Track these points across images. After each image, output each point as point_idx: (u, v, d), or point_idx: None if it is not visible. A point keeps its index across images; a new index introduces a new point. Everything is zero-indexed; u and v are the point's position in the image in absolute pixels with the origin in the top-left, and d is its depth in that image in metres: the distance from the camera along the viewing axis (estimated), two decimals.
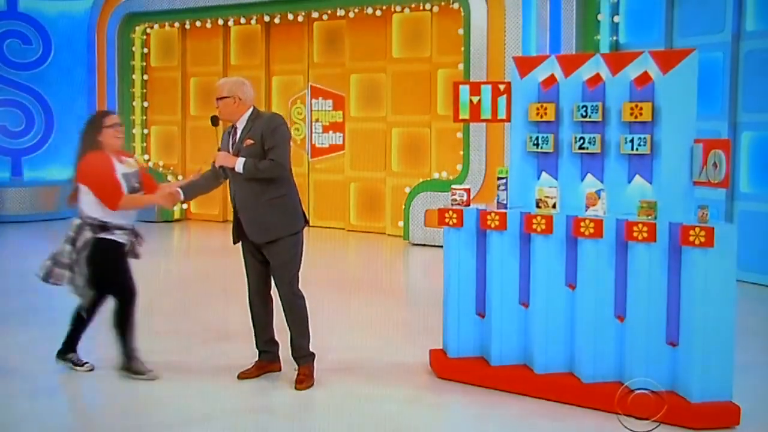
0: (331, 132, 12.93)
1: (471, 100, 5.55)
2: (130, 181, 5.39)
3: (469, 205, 5.53)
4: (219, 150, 5.35)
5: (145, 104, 14.52)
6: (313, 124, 12.99)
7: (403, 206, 11.69)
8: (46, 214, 13.96)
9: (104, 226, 5.36)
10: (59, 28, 14.64)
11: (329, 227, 12.89)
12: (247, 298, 5.51)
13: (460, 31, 11.08)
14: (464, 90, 5.59)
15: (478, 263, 5.46)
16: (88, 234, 5.36)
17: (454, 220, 5.45)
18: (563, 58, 5.31)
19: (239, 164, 5.17)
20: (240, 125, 5.29)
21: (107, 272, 5.45)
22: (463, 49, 11.02)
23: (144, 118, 14.54)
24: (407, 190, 11.74)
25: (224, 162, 5.24)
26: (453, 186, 5.65)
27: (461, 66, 11.10)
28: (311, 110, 13.06)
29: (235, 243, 5.42)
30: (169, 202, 5.44)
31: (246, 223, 5.28)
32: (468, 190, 5.57)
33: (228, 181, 5.42)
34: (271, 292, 5.46)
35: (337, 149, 12.85)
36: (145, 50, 14.51)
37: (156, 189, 5.64)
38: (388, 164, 12.37)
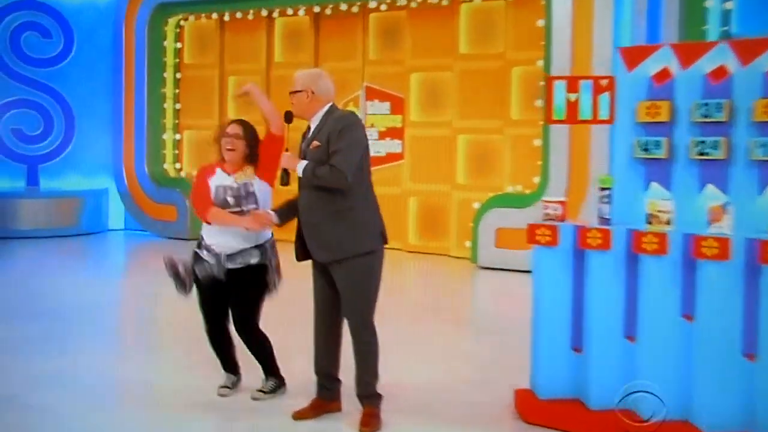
0: (388, 139, 12.89)
1: (567, 99, 5.41)
2: (220, 194, 5.54)
3: (564, 220, 5.36)
4: (286, 150, 5.29)
5: (178, 106, 14.65)
6: (368, 129, 12.91)
7: (471, 224, 11.59)
8: (65, 228, 14.13)
9: (199, 241, 5.69)
10: (82, 19, 14.87)
11: (385, 248, 12.76)
12: (313, 325, 5.41)
13: (540, 23, 10.98)
14: (560, 86, 5.43)
15: (574, 288, 5.32)
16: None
17: (548, 238, 5.28)
18: (680, 47, 5.16)
19: (300, 167, 5.09)
20: (313, 124, 5.22)
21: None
22: (543, 43, 10.92)
23: (176, 122, 14.65)
24: (476, 205, 11.66)
25: (288, 164, 5.17)
26: (545, 198, 5.53)
27: (540, 63, 11.02)
28: (366, 114, 13.02)
29: (298, 260, 5.31)
30: (257, 224, 5.40)
31: (308, 237, 5.19)
32: (563, 203, 5.40)
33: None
34: (341, 321, 5.35)
35: (395, 158, 12.79)
36: (179, 45, 14.67)
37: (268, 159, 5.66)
38: (454, 176, 12.29)
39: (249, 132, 5.60)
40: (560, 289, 5.33)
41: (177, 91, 14.66)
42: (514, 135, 11.68)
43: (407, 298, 9.74)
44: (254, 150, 5.59)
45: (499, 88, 11.80)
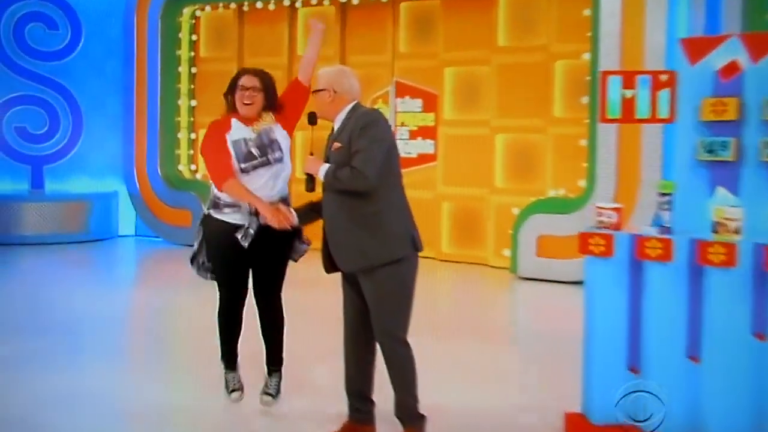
0: (420, 138, 12.85)
1: (623, 95, 5.35)
2: (241, 148, 5.43)
3: (619, 228, 5.28)
4: (311, 155, 5.25)
5: (193, 103, 14.66)
6: (399, 128, 12.91)
7: (510, 231, 11.53)
8: (71, 234, 14.15)
9: (215, 202, 5.52)
10: (91, 10, 14.93)
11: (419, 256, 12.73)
12: (343, 341, 5.36)
13: (587, 12, 10.93)
14: (614, 82, 5.38)
15: (631, 303, 5.24)
16: (203, 209, 5.61)
17: (602, 248, 5.21)
18: (751, 38, 5.10)
19: (321, 171, 5.08)
20: (336, 125, 5.21)
21: (212, 258, 5.60)
22: (590, 34, 10.84)
23: (191, 119, 14.66)
24: (515, 211, 11.60)
25: (311, 168, 5.15)
26: (598, 204, 5.46)
27: (587, 56, 10.95)
28: (396, 111, 12.99)
29: (327, 272, 5.26)
30: (274, 217, 5.32)
31: (332, 245, 5.15)
32: (619, 210, 5.33)
33: None
34: (374, 336, 5.26)
35: (427, 160, 12.75)
36: (194, 37, 14.71)
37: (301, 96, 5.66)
38: (491, 179, 12.22)
39: (267, 82, 5.54)
40: (615, 303, 5.25)
41: (192, 86, 14.66)
42: (558, 134, 11.60)
43: (441, 312, 9.68)
44: (273, 100, 5.55)
45: (541, 83, 11.71)
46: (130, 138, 14.67)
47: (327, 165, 5.07)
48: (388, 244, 5.08)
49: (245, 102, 5.48)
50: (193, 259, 5.67)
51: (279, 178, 5.52)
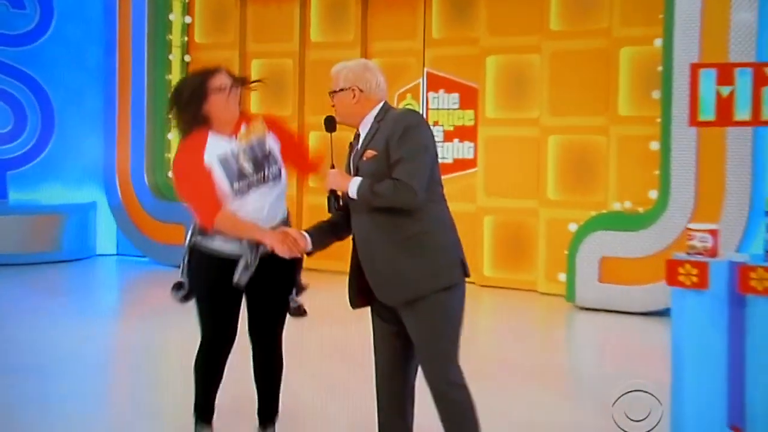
0: (456, 140, 12.87)
1: (718, 93, 5.28)
2: (231, 165, 5.29)
3: (715, 254, 5.19)
4: (332, 167, 5.17)
5: None
6: (431, 128, 12.76)
7: (566, 252, 11.47)
8: (41, 254, 14.17)
9: (204, 229, 5.41)
10: None
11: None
12: (374, 385, 5.27)
13: None
14: (707, 76, 5.36)
15: (731, 346, 5.19)
16: (189, 236, 5.49)
17: (695, 278, 5.17)
18: None
19: (353, 186, 4.98)
20: (363, 130, 5.13)
21: (198, 296, 5.52)
22: (662, 15, 10.76)
23: None
24: (572, 227, 11.53)
25: (335, 184, 5.08)
26: (690, 226, 5.40)
27: (659, 42, 10.88)
28: (428, 108, 13.01)
29: (355, 306, 5.20)
30: (285, 246, 5.19)
31: (371, 275, 5.07)
32: (715, 233, 5.27)
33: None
34: (411, 379, 5.23)
35: (465, 166, 12.76)
36: (188, 20, 14.75)
37: (303, 155, 5.77)
38: (543, 189, 12.19)
39: (237, 78, 5.44)
40: (711, 346, 5.22)
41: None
42: (623, 136, 11.56)
43: (485, 350, 9.54)
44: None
45: (602, 75, 11.69)
46: (112, 139, 14.69)
47: (358, 179, 4.99)
48: (438, 270, 5.02)
49: (231, 105, 5.33)
50: (179, 287, 5.58)
51: (278, 199, 5.43)
